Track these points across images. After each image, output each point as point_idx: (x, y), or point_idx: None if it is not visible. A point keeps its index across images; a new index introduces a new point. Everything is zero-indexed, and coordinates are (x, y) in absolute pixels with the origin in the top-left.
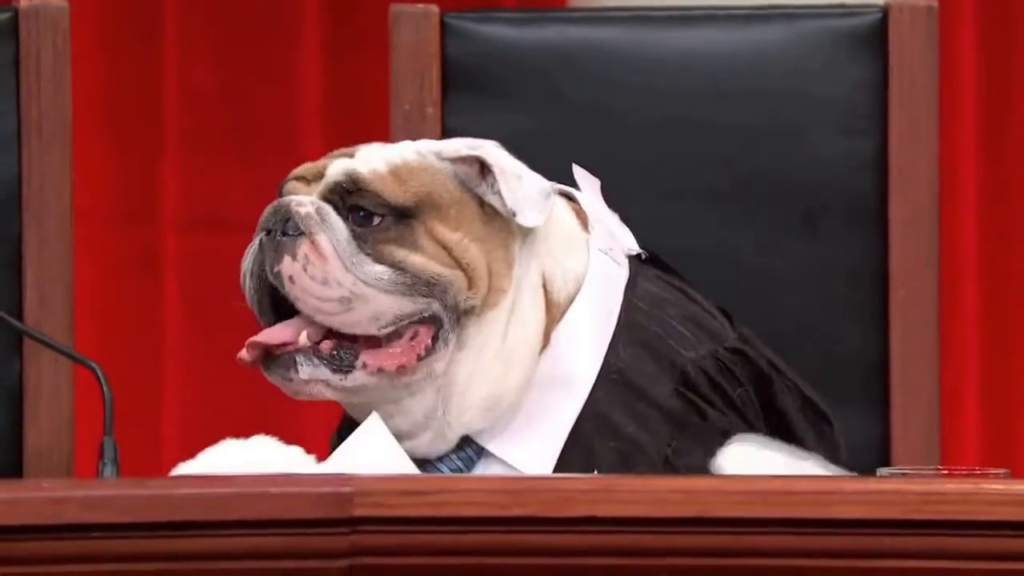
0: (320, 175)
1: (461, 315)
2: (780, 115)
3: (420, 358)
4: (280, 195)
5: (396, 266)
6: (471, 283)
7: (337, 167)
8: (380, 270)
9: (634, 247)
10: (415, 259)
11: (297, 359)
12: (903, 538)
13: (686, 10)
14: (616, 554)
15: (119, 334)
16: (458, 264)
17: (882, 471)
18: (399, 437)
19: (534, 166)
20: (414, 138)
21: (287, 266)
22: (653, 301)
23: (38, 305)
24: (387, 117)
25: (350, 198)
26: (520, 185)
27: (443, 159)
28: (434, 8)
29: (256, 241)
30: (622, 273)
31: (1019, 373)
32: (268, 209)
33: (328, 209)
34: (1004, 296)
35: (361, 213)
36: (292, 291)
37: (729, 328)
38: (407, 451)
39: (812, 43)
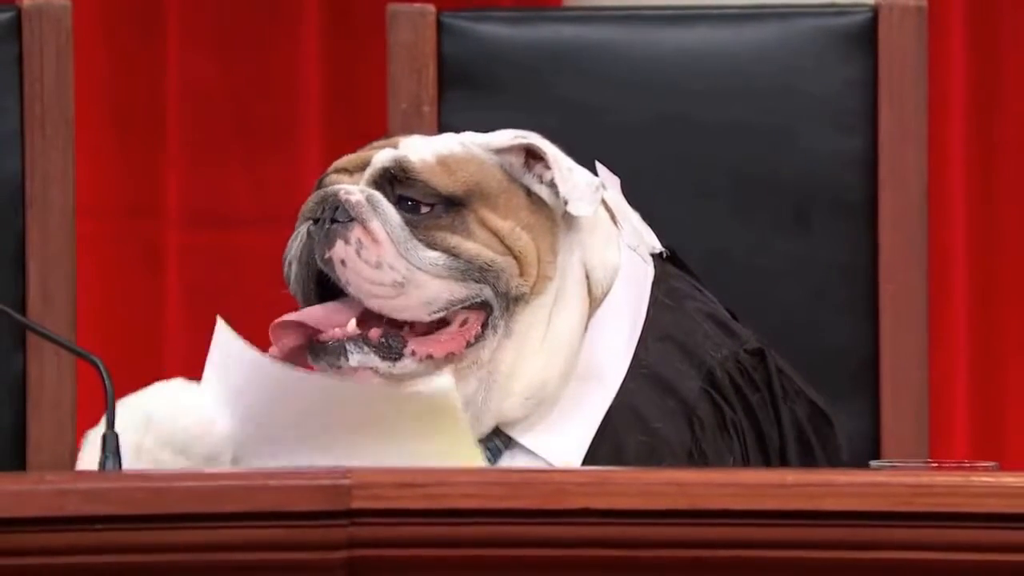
0: (362, 166)
1: (511, 302)
2: (772, 113)
3: (468, 345)
4: (320, 186)
5: (450, 252)
6: (522, 270)
7: (384, 156)
8: (434, 255)
9: (657, 245)
10: (469, 245)
11: (347, 347)
12: (893, 530)
13: (679, 9)
14: (610, 546)
15: (121, 329)
16: (510, 251)
17: (873, 464)
18: None
19: None
20: (411, 134)
21: (339, 251)
22: (678, 298)
23: (41, 300)
24: (385, 115)
25: (399, 187)
26: (571, 176)
27: (489, 150)
28: (431, 7)
29: (302, 230)
30: (648, 270)
31: (1007, 367)
32: (313, 198)
33: (379, 196)
34: (992, 291)
35: (409, 202)
36: (344, 275)
37: (746, 329)
38: None
39: (804, 42)
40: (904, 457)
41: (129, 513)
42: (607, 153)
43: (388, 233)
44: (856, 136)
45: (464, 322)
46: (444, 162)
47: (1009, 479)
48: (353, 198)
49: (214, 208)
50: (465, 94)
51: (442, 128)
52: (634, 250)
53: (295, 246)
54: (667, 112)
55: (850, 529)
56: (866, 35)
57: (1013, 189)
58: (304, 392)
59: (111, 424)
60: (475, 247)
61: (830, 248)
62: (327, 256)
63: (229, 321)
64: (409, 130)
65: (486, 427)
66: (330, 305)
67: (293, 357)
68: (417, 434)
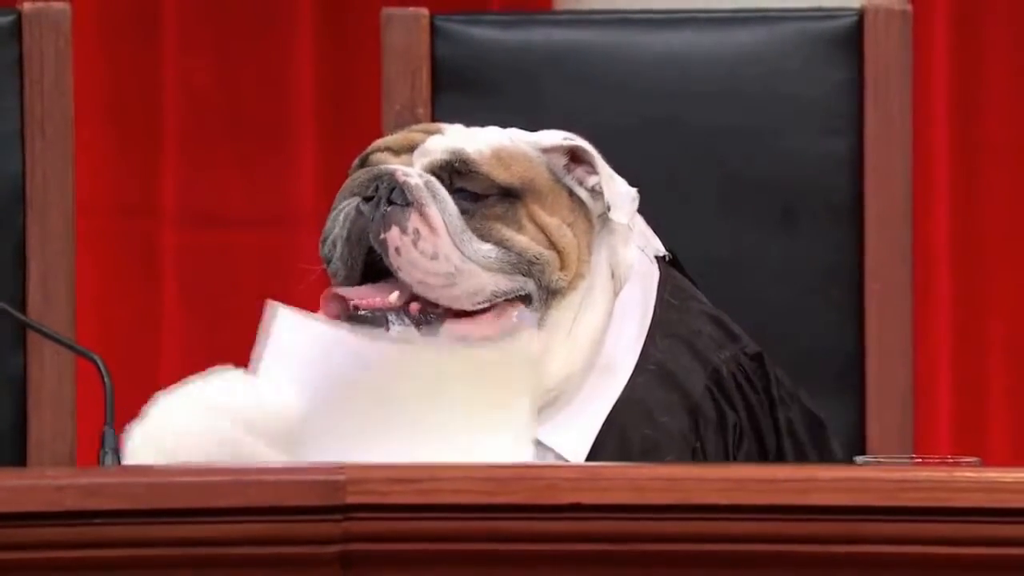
0: (408, 147)
1: (549, 295)
2: (759, 115)
3: (503, 331)
4: (365, 164)
5: (501, 244)
6: (563, 265)
7: (440, 144)
8: (487, 248)
9: (661, 248)
10: (519, 238)
11: (388, 317)
12: (879, 524)
13: (668, 13)
14: (600, 540)
15: (120, 326)
16: (554, 246)
17: (858, 459)
18: None
19: None
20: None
21: (395, 236)
22: (683, 299)
23: (41, 299)
24: (379, 116)
25: (458, 178)
26: (612, 183)
27: (536, 148)
28: (424, 11)
29: (349, 206)
30: (654, 270)
31: (990, 365)
32: (364, 175)
33: (437, 183)
34: (975, 290)
35: (465, 192)
36: (396, 261)
37: (744, 333)
38: None
39: (790, 45)
40: (889, 453)
41: (127, 508)
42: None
43: (445, 222)
44: (842, 138)
45: (502, 311)
46: (498, 155)
47: (991, 474)
48: (412, 181)
49: (210, 208)
50: (458, 96)
51: None
52: (642, 250)
53: (341, 223)
54: (655, 115)
55: (836, 523)
56: (852, 38)
57: (996, 190)
58: (383, 357)
59: (110, 421)
60: (525, 240)
61: (816, 248)
62: (381, 237)
63: (224, 319)
64: None
65: None
66: (377, 285)
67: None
68: (491, 388)
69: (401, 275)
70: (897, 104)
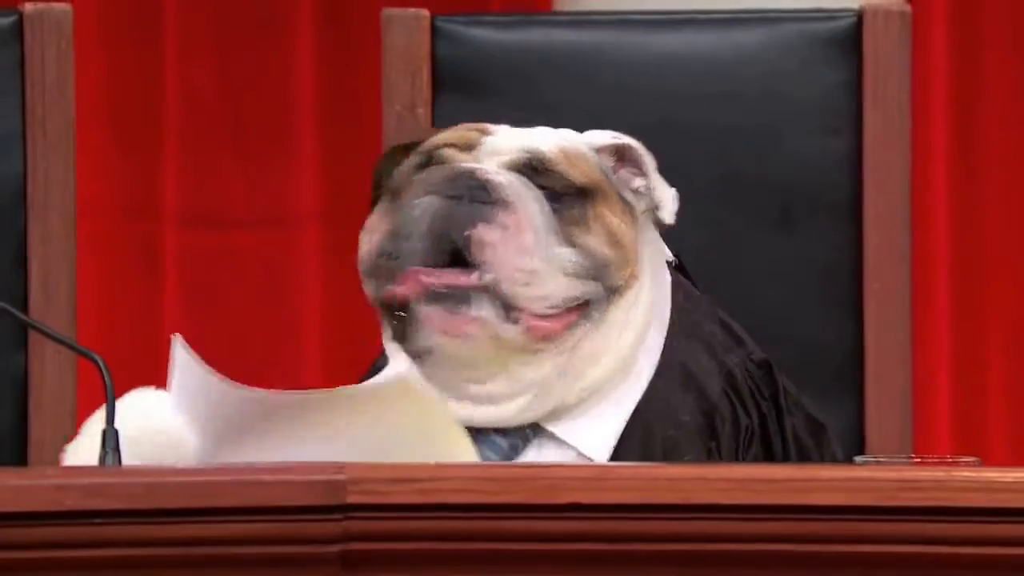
0: (470, 145)
1: (610, 295)
2: (759, 115)
3: (565, 329)
4: (433, 161)
5: (576, 247)
6: (624, 264)
7: (508, 142)
8: (566, 252)
9: (669, 254)
10: (592, 241)
11: (471, 296)
12: (878, 524)
13: (668, 14)
14: (601, 540)
15: (121, 326)
16: (619, 246)
17: (857, 459)
18: (485, 400)
19: None
20: (406, 137)
21: (484, 231)
22: (694, 303)
23: (43, 298)
24: (379, 117)
25: (536, 176)
26: (660, 183)
27: (590, 147)
28: (424, 11)
29: (427, 203)
30: (666, 273)
31: (989, 365)
32: (440, 173)
33: (524, 181)
34: (974, 289)
35: (545, 191)
36: (483, 256)
37: (750, 339)
38: (489, 416)
39: (790, 46)
40: (888, 453)
41: (127, 508)
42: None
43: (533, 221)
44: (841, 138)
45: (567, 314)
46: (566, 153)
47: (990, 474)
48: (498, 179)
49: (211, 209)
50: (458, 96)
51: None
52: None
53: (418, 218)
54: (654, 115)
55: (836, 523)
56: (851, 39)
57: (994, 190)
58: (273, 407)
59: (111, 420)
60: (596, 242)
61: (816, 247)
62: (467, 234)
63: (226, 319)
64: (403, 132)
65: (542, 412)
66: (459, 269)
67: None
68: (391, 424)
69: (486, 270)
70: (896, 104)
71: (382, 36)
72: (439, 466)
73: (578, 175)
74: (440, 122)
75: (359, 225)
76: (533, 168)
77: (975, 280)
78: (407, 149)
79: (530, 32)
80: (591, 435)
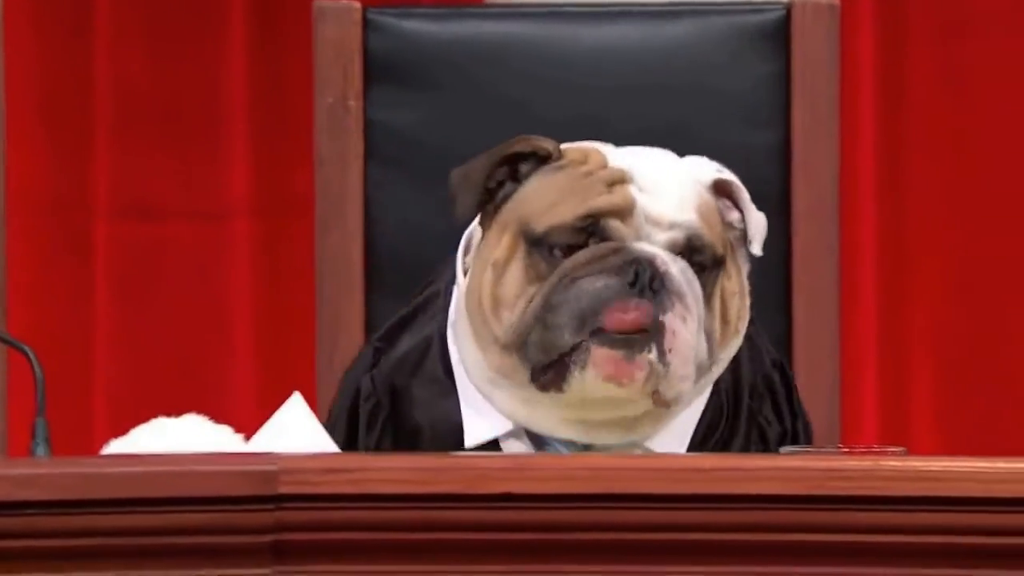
0: (627, 210)
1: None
2: (688, 107)
3: None
4: (601, 233)
5: (706, 336)
6: (726, 341)
7: (660, 203)
8: (703, 341)
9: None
10: (714, 324)
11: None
12: (806, 513)
13: (599, 7)
14: (530, 529)
15: (51, 318)
16: (726, 322)
17: (785, 449)
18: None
19: (454, 158)
20: (338, 129)
21: (672, 320)
22: None
23: None
24: (311, 109)
25: (693, 255)
26: (754, 215)
27: (706, 187)
28: (356, 4)
29: (604, 283)
30: None
31: (914, 356)
32: (612, 254)
33: (689, 271)
34: (900, 282)
35: (696, 266)
36: (671, 343)
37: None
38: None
39: (719, 38)
40: (816, 443)
41: (59, 499)
42: None
43: (697, 309)
44: (770, 131)
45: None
46: (704, 215)
47: (917, 463)
48: (671, 270)
49: (142, 201)
50: (390, 89)
51: (368, 122)
52: None
53: (592, 293)
54: (586, 107)
55: (764, 512)
56: (780, 32)
57: (920, 182)
58: None
59: (41, 412)
60: (713, 324)
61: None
62: (660, 320)
63: (157, 311)
64: (336, 124)
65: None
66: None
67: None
68: None
69: (672, 355)
70: (824, 97)
71: (314, 28)
72: (370, 456)
73: (718, 243)
74: (371, 115)
75: (291, 217)
76: (692, 247)
77: (901, 272)
78: (517, 159)
79: (462, 24)
80: (670, 442)
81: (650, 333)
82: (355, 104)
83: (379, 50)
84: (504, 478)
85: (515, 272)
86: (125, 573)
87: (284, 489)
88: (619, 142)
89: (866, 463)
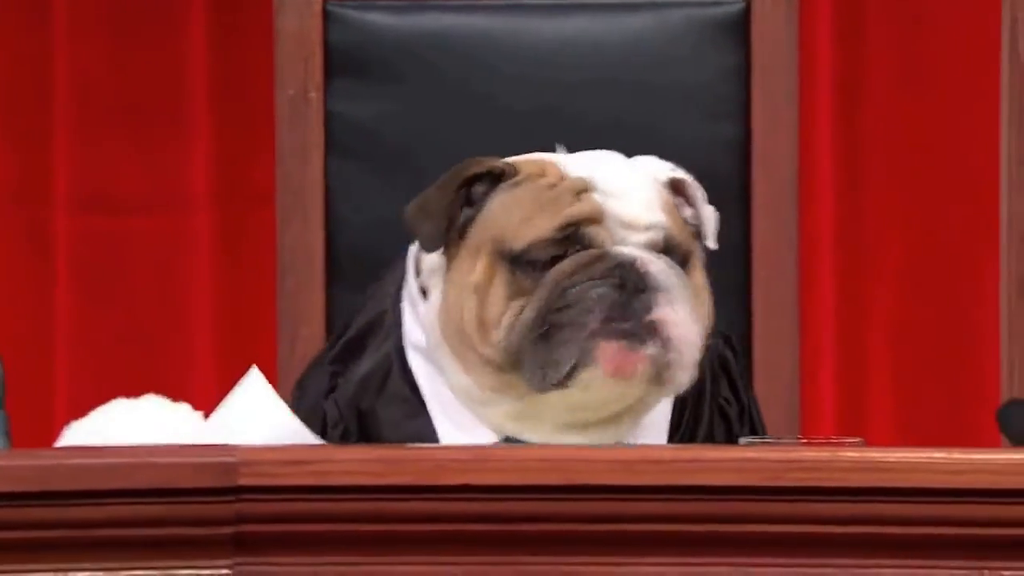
0: (601, 216)
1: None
2: (647, 100)
3: None
4: (581, 241)
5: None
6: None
7: (630, 207)
8: (698, 328)
9: None
10: (700, 316)
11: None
12: (765, 504)
13: (559, 0)
14: (488, 521)
15: (11, 311)
16: (701, 306)
17: (743, 440)
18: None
19: (414, 151)
20: (299, 122)
21: (667, 312)
22: None
23: None
24: (272, 101)
25: (667, 253)
26: (708, 211)
27: (664, 185)
28: None
29: (593, 289)
30: None
31: (871, 348)
32: (596, 261)
33: (671, 265)
34: (858, 275)
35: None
36: (668, 331)
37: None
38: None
39: (678, 32)
40: (775, 434)
41: (17, 491)
42: (490, 140)
43: (687, 300)
44: (729, 123)
45: None
46: (668, 213)
47: (875, 454)
48: (654, 268)
49: (102, 194)
50: (351, 81)
51: (328, 115)
52: None
53: (587, 307)
54: (546, 100)
55: (723, 503)
56: (739, 25)
57: (878, 175)
58: None
59: (1, 404)
60: (702, 319)
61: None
62: (649, 319)
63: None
64: (296, 116)
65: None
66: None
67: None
68: None
69: (673, 346)
70: (783, 90)
71: (275, 20)
72: (330, 448)
73: (687, 240)
74: (332, 107)
75: (252, 209)
76: (667, 247)
77: (859, 265)
78: (475, 180)
79: (423, 17)
80: (648, 436)
81: (647, 333)
82: (316, 96)
83: (340, 42)
84: (463, 469)
85: (498, 292)
86: (84, 565)
87: (244, 481)
88: (579, 135)
89: (824, 454)
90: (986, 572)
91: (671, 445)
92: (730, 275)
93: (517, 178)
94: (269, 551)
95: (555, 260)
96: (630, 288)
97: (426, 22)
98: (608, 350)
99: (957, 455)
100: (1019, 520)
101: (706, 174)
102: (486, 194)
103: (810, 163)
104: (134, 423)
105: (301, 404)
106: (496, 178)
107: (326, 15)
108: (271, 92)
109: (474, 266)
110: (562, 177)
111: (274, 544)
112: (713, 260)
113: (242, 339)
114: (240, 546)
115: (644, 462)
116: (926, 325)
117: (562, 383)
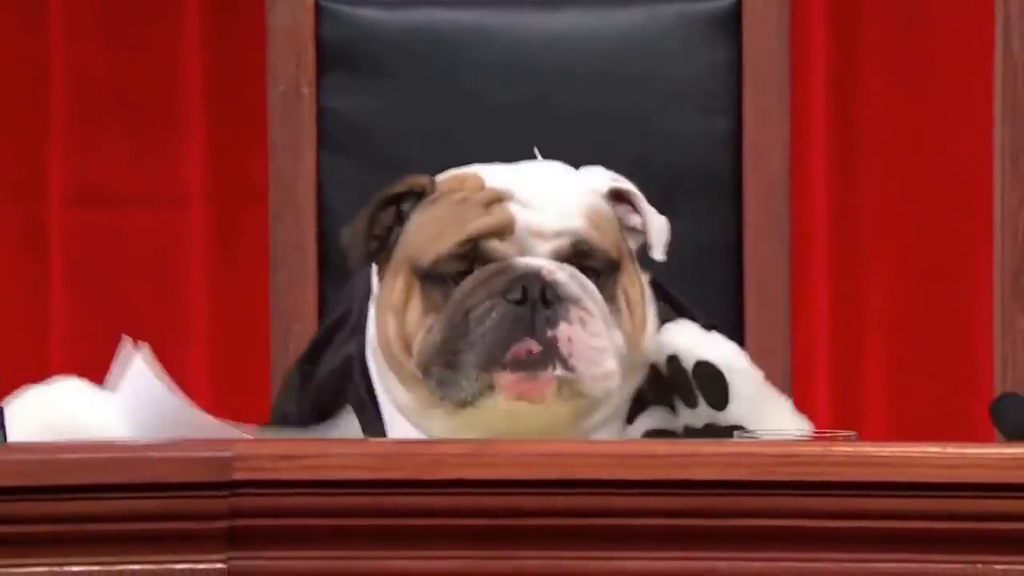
0: (507, 227)
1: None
2: (640, 95)
3: None
4: (482, 256)
5: (619, 329)
6: (635, 345)
7: (544, 222)
8: (617, 336)
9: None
10: (626, 325)
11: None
12: (758, 498)
13: None
14: (485, 515)
15: (5, 305)
16: (633, 323)
17: (737, 435)
18: None
19: (407, 146)
20: (291, 117)
21: (565, 330)
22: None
23: None
24: (265, 96)
25: (582, 259)
26: (654, 220)
27: (599, 195)
28: None
29: (494, 305)
30: None
31: (865, 342)
32: (497, 274)
33: (580, 274)
34: (851, 269)
35: (590, 271)
36: (568, 349)
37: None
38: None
39: (670, 26)
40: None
41: (13, 485)
42: (481, 136)
43: (598, 308)
44: (721, 118)
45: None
46: (594, 221)
47: (868, 449)
48: (559, 277)
49: (97, 188)
50: (343, 77)
51: (321, 110)
52: None
53: (490, 326)
54: (538, 95)
55: (716, 498)
56: (731, 19)
57: (871, 170)
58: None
59: None
60: (629, 328)
61: (697, 227)
62: (550, 335)
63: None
64: (289, 111)
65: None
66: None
67: None
68: None
69: (573, 362)
70: (775, 85)
71: (267, 16)
72: (325, 442)
73: (612, 248)
74: (324, 102)
75: (246, 204)
76: (580, 252)
77: (852, 259)
78: (399, 198)
79: (415, 12)
80: (607, 433)
81: (545, 354)
82: (308, 92)
83: (332, 38)
84: (459, 464)
85: (415, 309)
86: (78, 560)
87: (238, 475)
88: (570, 131)
89: (817, 448)
90: (980, 566)
91: (666, 440)
92: (722, 268)
93: (435, 194)
94: (264, 546)
95: (463, 275)
96: (531, 301)
97: (418, 17)
98: (506, 379)
99: (951, 449)
100: (1013, 514)
101: (698, 169)
102: (410, 212)
103: (803, 158)
104: (46, 410)
105: (277, 401)
106: (419, 196)
107: (318, 10)
108: (264, 87)
109: (395, 285)
110: (480, 188)
111: (269, 539)
112: (704, 255)
113: (236, 333)
114: (235, 541)
115: (640, 457)
116: (919, 320)
117: (471, 404)
